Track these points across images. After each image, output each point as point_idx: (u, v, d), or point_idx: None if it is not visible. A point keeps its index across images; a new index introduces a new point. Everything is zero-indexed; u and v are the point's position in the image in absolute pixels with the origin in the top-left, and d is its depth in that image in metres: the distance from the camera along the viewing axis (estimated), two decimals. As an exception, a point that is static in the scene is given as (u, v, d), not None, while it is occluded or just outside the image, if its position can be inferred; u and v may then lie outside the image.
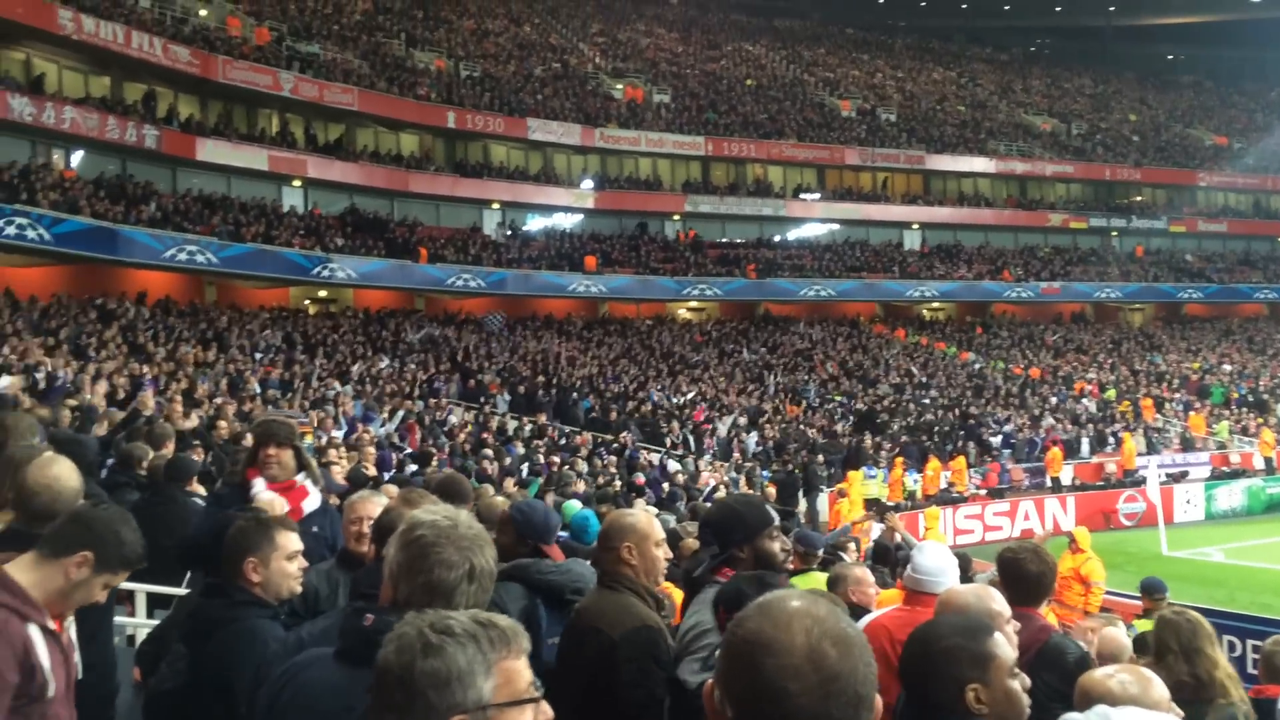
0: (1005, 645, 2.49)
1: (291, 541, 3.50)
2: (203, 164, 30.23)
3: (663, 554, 3.44)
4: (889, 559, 8.68)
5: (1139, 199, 49.70)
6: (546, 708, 1.79)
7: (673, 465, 22.17)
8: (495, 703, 1.72)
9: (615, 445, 23.07)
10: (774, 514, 3.54)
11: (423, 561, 2.21)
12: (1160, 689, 2.77)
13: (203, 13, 33.63)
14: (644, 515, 3.62)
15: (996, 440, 29.82)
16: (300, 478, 4.79)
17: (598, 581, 3.39)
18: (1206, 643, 4.05)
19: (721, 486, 19.67)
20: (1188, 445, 30.81)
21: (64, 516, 3.04)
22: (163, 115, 29.59)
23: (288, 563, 3.47)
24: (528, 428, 23.35)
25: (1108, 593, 12.65)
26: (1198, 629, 4.09)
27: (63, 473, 3.51)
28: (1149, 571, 13.27)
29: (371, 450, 13.70)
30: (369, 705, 1.77)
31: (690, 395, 30.05)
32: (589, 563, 3.86)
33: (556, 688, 2.28)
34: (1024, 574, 4.20)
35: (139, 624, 6.16)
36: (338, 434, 15.88)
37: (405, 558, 2.24)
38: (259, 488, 4.69)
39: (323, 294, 33.14)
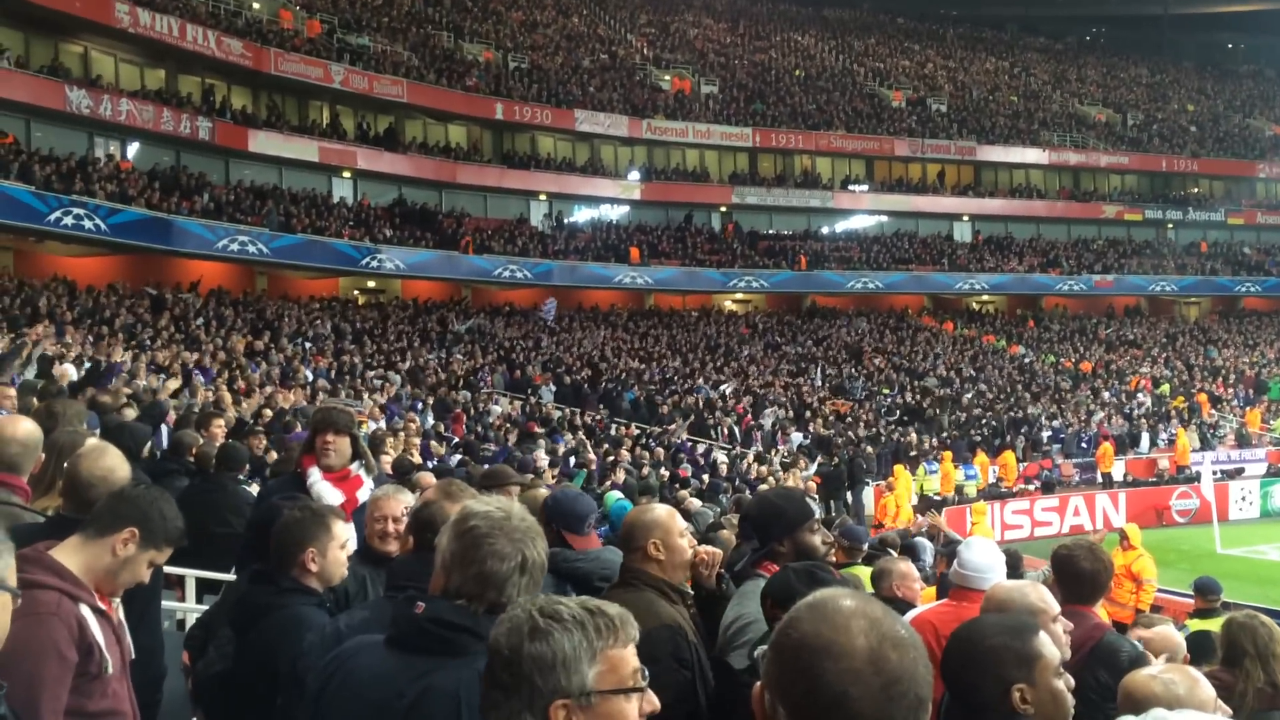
0: (1050, 644, 2.46)
1: (344, 530, 3.57)
2: (254, 155, 30.63)
3: (687, 544, 3.43)
4: (915, 555, 8.60)
5: (1196, 191, 48.74)
6: (652, 697, 1.79)
7: (718, 457, 22.14)
8: (599, 689, 1.74)
9: (660, 437, 23.08)
10: (814, 507, 3.51)
11: (475, 552, 2.23)
12: (1206, 688, 2.70)
13: (256, 5, 34.04)
14: (663, 508, 3.60)
15: (1046, 435, 29.44)
16: (355, 467, 4.78)
17: (618, 580, 3.37)
18: None
19: (770, 479, 19.62)
20: (1243, 441, 30.22)
21: (107, 497, 3.09)
22: (216, 107, 30.01)
23: (340, 552, 3.54)
24: (574, 419, 23.43)
25: (1159, 590, 12.47)
26: (1274, 633, 3.99)
27: (116, 464, 3.57)
28: (1202, 569, 13.05)
29: (417, 440, 13.83)
30: (483, 678, 1.82)
31: (735, 387, 29.97)
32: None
33: None
34: (1078, 571, 4.16)
35: (189, 609, 6.26)
36: (383, 424, 16.01)
37: (459, 548, 2.26)
38: (315, 477, 4.70)
39: (371, 284, 33.44)
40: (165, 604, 6.32)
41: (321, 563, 3.47)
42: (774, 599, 2.86)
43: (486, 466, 8.12)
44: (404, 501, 4.00)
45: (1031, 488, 24.99)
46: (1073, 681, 2.46)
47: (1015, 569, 7.42)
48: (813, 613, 1.53)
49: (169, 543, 3.05)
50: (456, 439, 18.06)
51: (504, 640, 1.78)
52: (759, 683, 1.56)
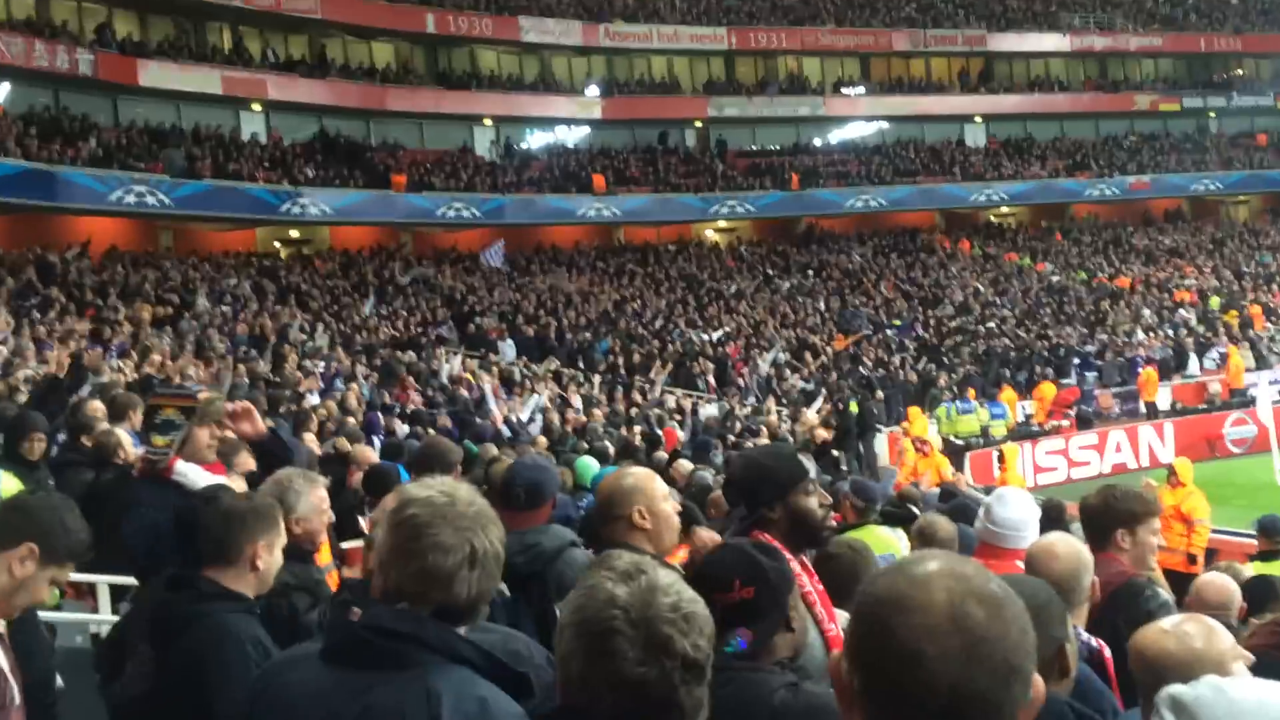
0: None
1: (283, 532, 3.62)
2: (146, 91, 30.17)
3: (672, 509, 3.45)
4: (963, 513, 8.60)
5: (1240, 73, 48.75)
6: None
7: (707, 410, 22.20)
8: None
9: (642, 390, 23.10)
10: (809, 465, 3.52)
11: (415, 545, 2.20)
12: (1224, 638, 2.73)
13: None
14: (642, 470, 3.63)
15: (1080, 363, 29.64)
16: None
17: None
18: None
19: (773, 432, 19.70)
20: (1305, 358, 30.56)
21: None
22: (98, 37, 29.47)
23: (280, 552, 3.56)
24: (541, 376, 23.40)
25: (1214, 531, 12.63)
26: None
27: None
28: (1260, 505, 13.21)
29: (359, 412, 13.77)
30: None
31: (724, 330, 29.98)
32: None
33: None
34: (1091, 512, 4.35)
35: (102, 620, 6.24)
36: (313, 398, 15.94)
37: (395, 541, 2.24)
38: (191, 472, 4.79)
39: (294, 234, 33.15)
40: (74, 615, 6.33)
41: (268, 560, 3.49)
42: (741, 577, 2.81)
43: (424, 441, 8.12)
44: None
45: (1065, 423, 25.21)
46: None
47: (1058, 521, 7.48)
48: (894, 570, 1.56)
49: (72, 557, 3.03)
50: (405, 407, 17.99)
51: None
52: (837, 651, 1.59)
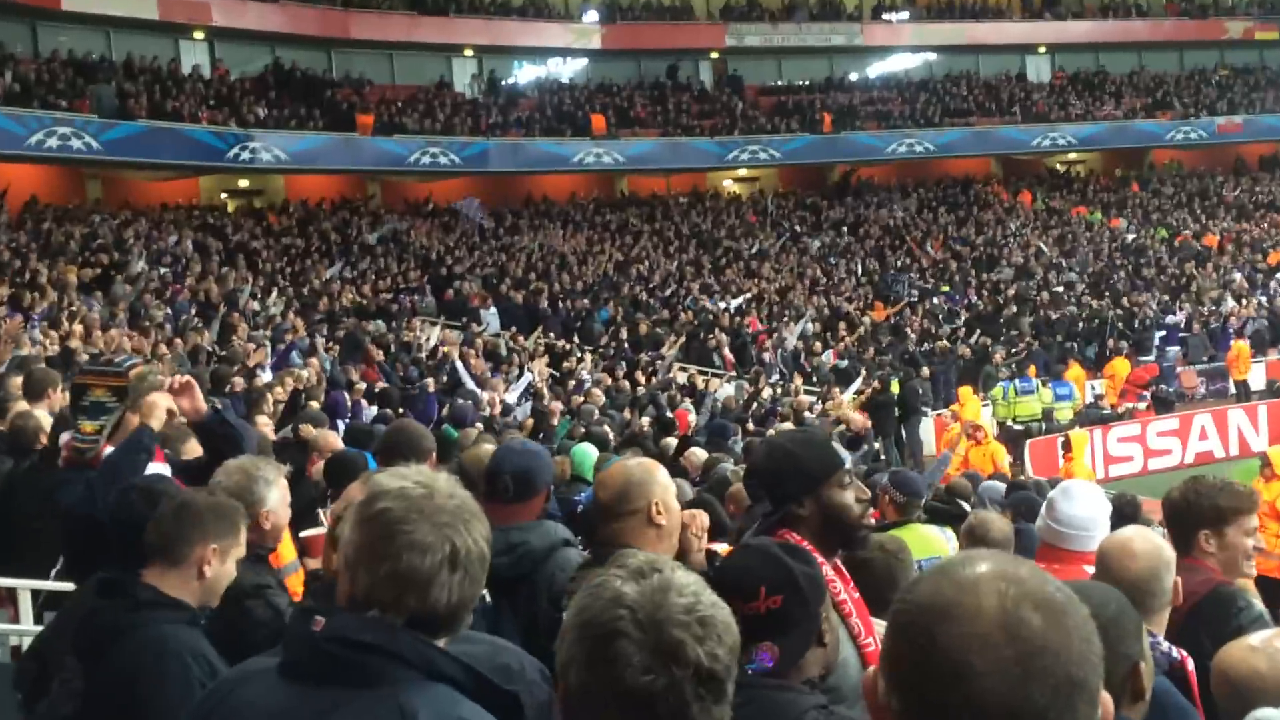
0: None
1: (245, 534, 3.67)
2: (71, 16, 30.07)
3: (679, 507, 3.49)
4: (1026, 509, 8.60)
5: (1350, -5, 48.47)
6: None
7: (724, 390, 22.22)
8: None
9: (647, 366, 23.12)
10: (843, 453, 3.52)
11: (388, 544, 2.20)
12: None
13: None
14: (650, 461, 3.65)
15: (1160, 336, 29.60)
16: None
17: (592, 558, 3.41)
18: None
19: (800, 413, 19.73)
20: None
21: None
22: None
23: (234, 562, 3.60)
24: (532, 351, 23.42)
25: (1316, 533, 12.62)
26: None
27: None
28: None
29: (320, 391, 13.79)
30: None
31: (744, 297, 29.95)
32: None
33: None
34: (1176, 508, 4.28)
35: (24, 631, 6.27)
36: (267, 374, 15.98)
37: (365, 539, 2.23)
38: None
39: (243, 184, 33.09)
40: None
41: (218, 568, 3.53)
42: (767, 584, 2.81)
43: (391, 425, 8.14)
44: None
45: (1141, 405, 25.18)
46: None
47: (1133, 519, 7.49)
48: (937, 573, 1.56)
49: None
50: (372, 384, 18.03)
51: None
52: (872, 667, 1.59)
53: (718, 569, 3.01)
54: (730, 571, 2.83)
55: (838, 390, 23.06)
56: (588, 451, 9.98)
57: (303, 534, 5.39)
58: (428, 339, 23.07)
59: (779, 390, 22.94)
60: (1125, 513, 7.98)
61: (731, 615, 2.00)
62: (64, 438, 5.29)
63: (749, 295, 30.13)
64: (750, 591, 2.72)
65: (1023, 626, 1.46)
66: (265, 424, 9.85)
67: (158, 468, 4.88)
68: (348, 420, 14.10)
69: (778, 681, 2.70)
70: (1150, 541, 3.72)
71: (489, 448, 5.44)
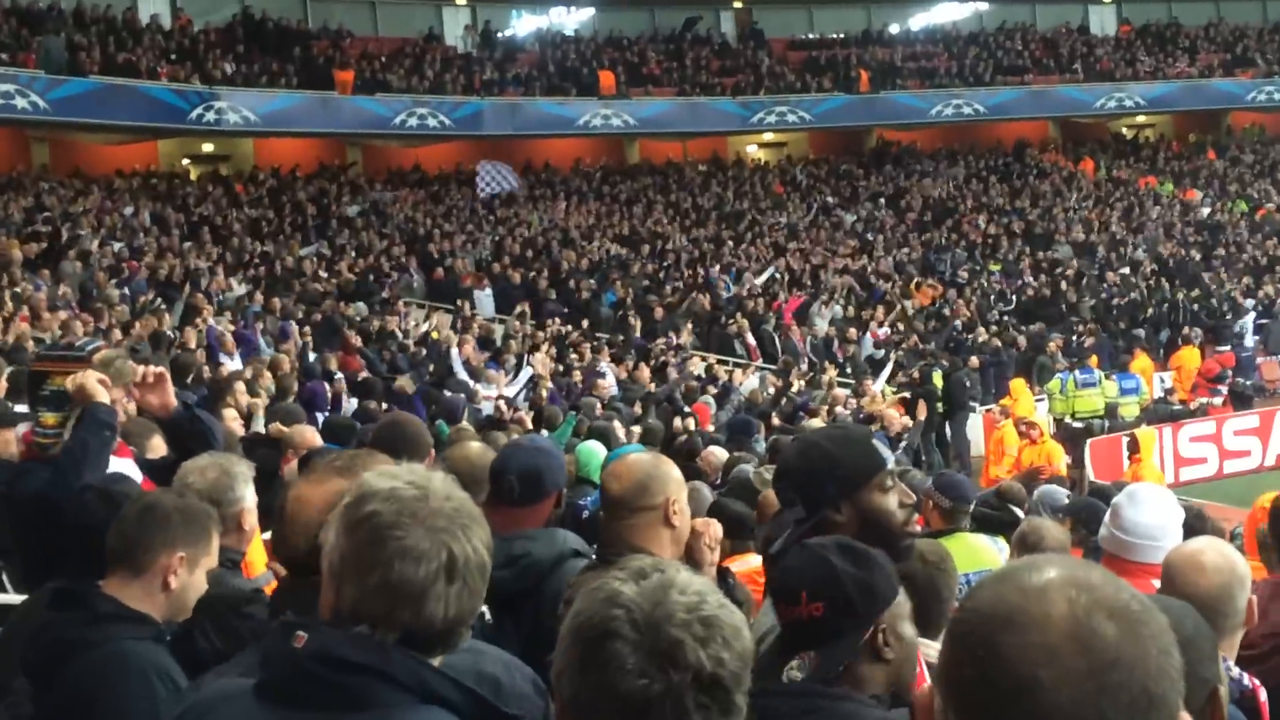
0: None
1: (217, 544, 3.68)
2: (15, -41, 30.13)
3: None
4: (1088, 517, 8.59)
5: None
6: None
7: (748, 382, 22.21)
8: None
9: (660, 354, 23.12)
10: (886, 453, 3.52)
11: (377, 551, 2.20)
12: None
13: None
14: (663, 456, 3.68)
15: (1240, 324, 29.52)
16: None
17: (598, 559, 3.44)
18: None
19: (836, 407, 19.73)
20: None
21: None
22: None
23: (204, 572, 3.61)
24: (535, 338, 23.44)
25: None
26: None
27: None
28: None
29: (293, 381, 13.83)
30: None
31: (768, 274, 29.92)
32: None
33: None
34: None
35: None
36: (231, 362, 16.01)
37: (352, 546, 2.24)
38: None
39: (208, 148, 33.12)
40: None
41: (186, 579, 3.54)
42: (809, 589, 2.85)
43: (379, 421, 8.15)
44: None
45: (1217, 401, 25.11)
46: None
47: (1199, 533, 7.48)
48: (1000, 579, 1.58)
49: None
50: (353, 374, 18.05)
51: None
52: (927, 683, 1.60)
53: (773, 573, 3.03)
54: (778, 573, 2.85)
55: (870, 383, 23.03)
56: (594, 450, 9.97)
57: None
58: (415, 324, 23.07)
59: (807, 383, 22.90)
60: (1193, 526, 7.97)
61: (744, 620, 2.02)
62: (21, 430, 5.31)
63: (775, 274, 30.07)
64: (792, 595, 2.75)
65: (1095, 637, 1.47)
66: (233, 418, 9.87)
67: (123, 464, 4.90)
68: (326, 413, 14.15)
69: (843, 691, 2.72)
70: (1223, 555, 3.72)
71: (476, 445, 5.44)
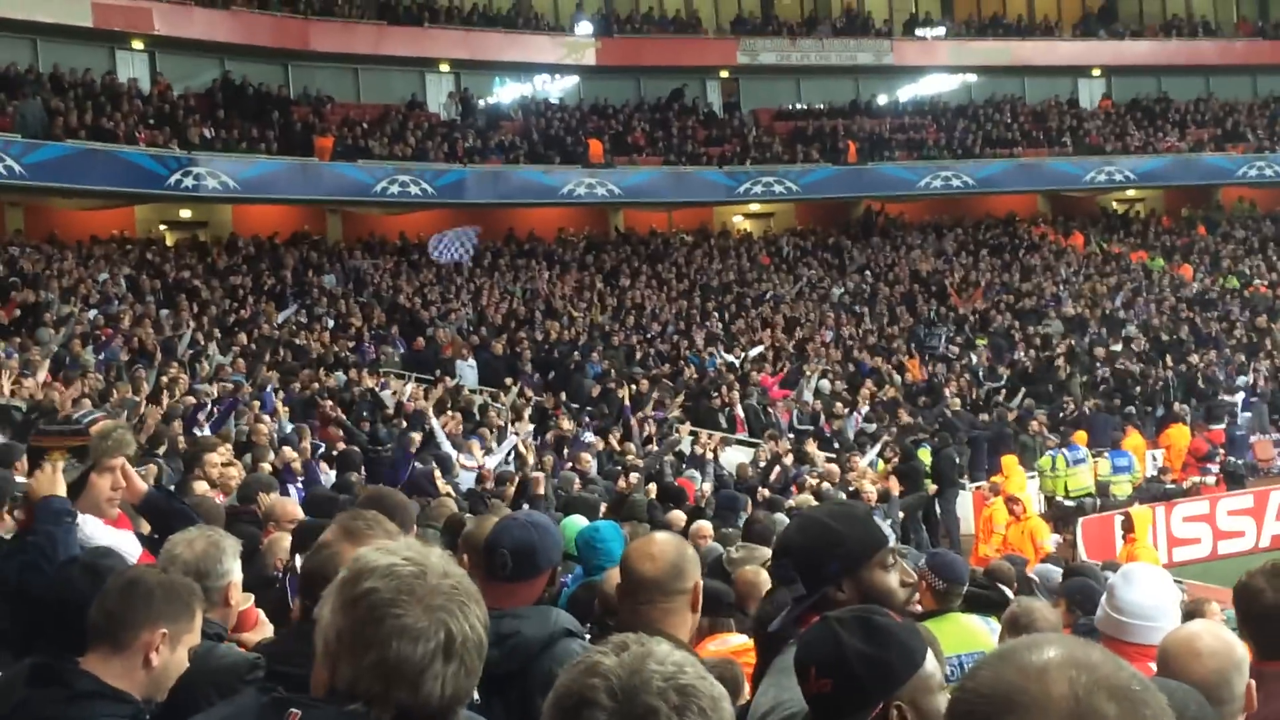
0: None
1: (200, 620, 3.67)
2: (-7, 21, 30.27)
3: None
4: (1082, 599, 8.60)
5: None
6: None
7: (734, 456, 22.18)
8: None
9: (643, 428, 23.10)
10: (888, 531, 3.55)
11: (374, 629, 2.22)
12: None
13: None
14: (681, 538, 3.69)
15: (1234, 401, 29.61)
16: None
17: None
18: None
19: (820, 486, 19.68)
20: None
21: None
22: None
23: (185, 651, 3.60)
24: (513, 409, 23.41)
25: None
26: None
27: None
28: None
29: (268, 453, 13.79)
30: None
31: (757, 351, 29.94)
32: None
33: None
34: (1267, 611, 4.10)
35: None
36: (205, 429, 15.98)
37: (349, 623, 2.25)
38: (89, 525, 4.83)
39: (185, 214, 33.15)
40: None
41: (167, 657, 3.53)
42: (817, 664, 2.87)
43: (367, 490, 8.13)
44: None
45: (1210, 479, 25.14)
46: None
47: (1190, 616, 7.49)
48: (999, 659, 1.59)
49: None
50: (329, 447, 18.00)
51: None
52: None
53: (801, 644, 3.04)
54: (798, 647, 2.87)
55: (857, 458, 23.01)
56: (576, 524, 9.97)
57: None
58: (393, 393, 23.05)
59: (795, 458, 22.87)
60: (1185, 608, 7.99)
61: (725, 693, 2.03)
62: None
63: (764, 348, 30.11)
64: (802, 670, 2.76)
65: (1096, 717, 1.49)
66: (205, 490, 9.82)
67: (122, 536, 4.90)
68: (299, 486, 14.08)
69: None
70: (1219, 639, 3.71)
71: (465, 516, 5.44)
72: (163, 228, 32.86)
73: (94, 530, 4.83)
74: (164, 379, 19.58)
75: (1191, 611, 8.22)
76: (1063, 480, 23.52)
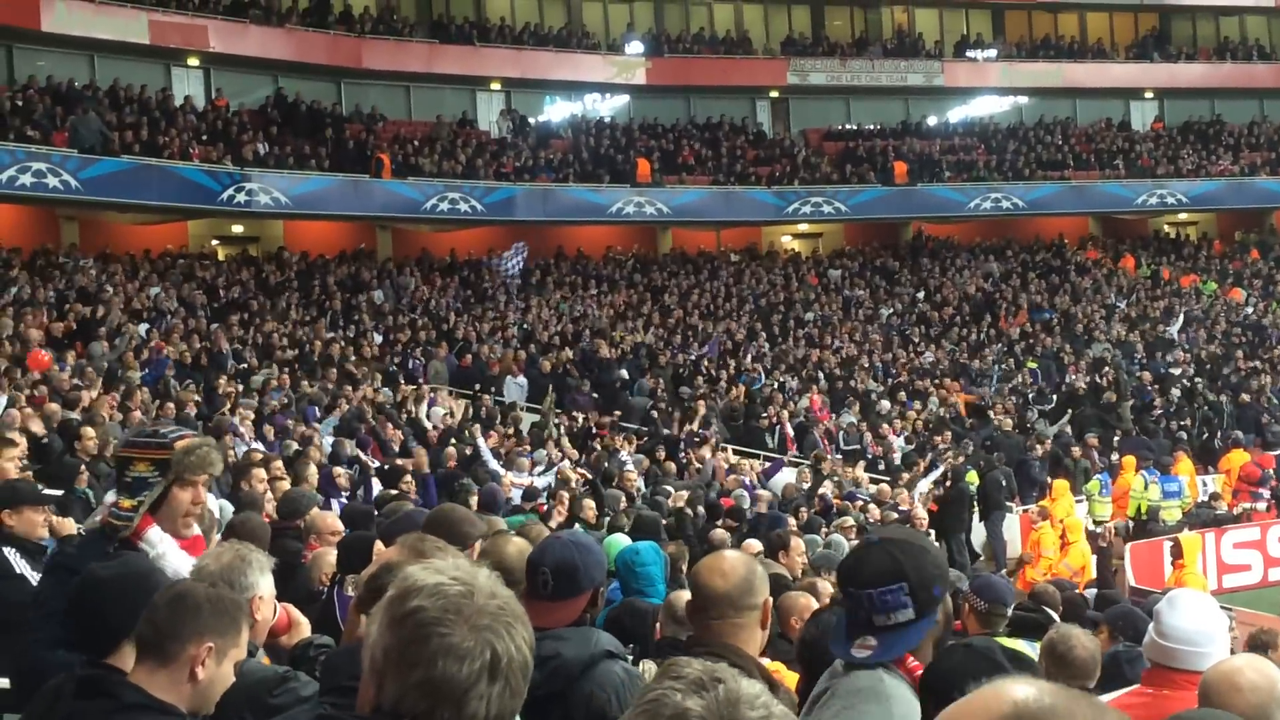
0: None
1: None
2: (51, 37, 30.53)
3: None
4: (1127, 625, 8.53)
5: None
6: None
7: (781, 478, 22.13)
8: None
9: (692, 447, 23.09)
10: (945, 564, 3.55)
11: (420, 648, 2.22)
12: None
13: None
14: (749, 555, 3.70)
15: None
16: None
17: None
18: None
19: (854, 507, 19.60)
20: None
21: None
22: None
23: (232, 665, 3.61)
24: (555, 422, 23.45)
25: None
26: None
27: None
28: None
29: (313, 470, 13.86)
30: None
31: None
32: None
33: None
34: None
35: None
36: (256, 444, 16.07)
37: (395, 641, 2.25)
38: (160, 542, 4.85)
39: (238, 229, 33.40)
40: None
41: (213, 670, 3.53)
42: (937, 697, 2.82)
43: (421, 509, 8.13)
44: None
45: (1261, 505, 24.89)
46: None
47: (1258, 647, 7.42)
48: (956, 708, 1.59)
49: None
50: (374, 463, 18.08)
51: None
52: None
53: (929, 668, 3.00)
54: (940, 673, 2.83)
55: (907, 480, 22.94)
56: (617, 542, 9.98)
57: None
58: (443, 411, 23.14)
59: (840, 477, 22.80)
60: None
61: None
62: (106, 503, 5.42)
63: (810, 368, 30.04)
64: (943, 696, 2.73)
65: None
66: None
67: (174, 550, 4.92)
68: (343, 500, 14.17)
69: None
70: (1262, 674, 3.67)
71: (516, 540, 5.40)
72: (215, 243, 33.10)
73: (168, 550, 4.83)
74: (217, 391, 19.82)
75: (1263, 643, 8.18)
76: (1109, 505, 23.42)
